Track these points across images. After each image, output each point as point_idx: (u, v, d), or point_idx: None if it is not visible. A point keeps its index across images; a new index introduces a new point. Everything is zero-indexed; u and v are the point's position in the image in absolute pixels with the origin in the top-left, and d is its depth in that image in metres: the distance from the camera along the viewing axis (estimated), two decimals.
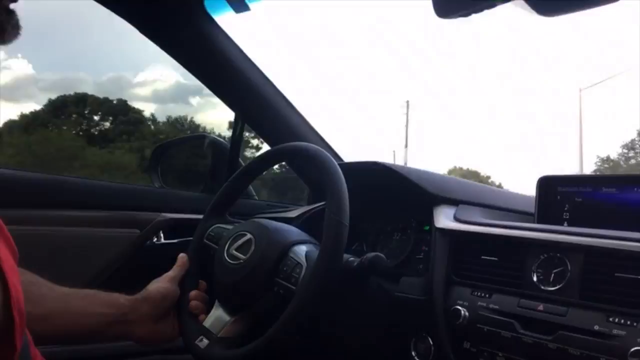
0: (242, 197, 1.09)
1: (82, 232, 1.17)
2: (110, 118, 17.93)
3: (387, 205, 1.18)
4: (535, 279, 0.79)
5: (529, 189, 1.04)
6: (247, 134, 1.48)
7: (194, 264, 0.94)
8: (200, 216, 1.01)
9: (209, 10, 1.21)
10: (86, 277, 1.14)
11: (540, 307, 0.76)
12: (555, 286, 0.76)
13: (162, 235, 1.27)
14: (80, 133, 17.34)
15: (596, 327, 0.69)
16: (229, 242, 0.88)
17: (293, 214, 1.25)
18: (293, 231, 0.91)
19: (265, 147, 1.46)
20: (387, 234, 1.18)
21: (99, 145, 16.78)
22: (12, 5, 0.55)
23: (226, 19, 1.26)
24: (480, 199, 1.04)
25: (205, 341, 0.83)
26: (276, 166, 1.48)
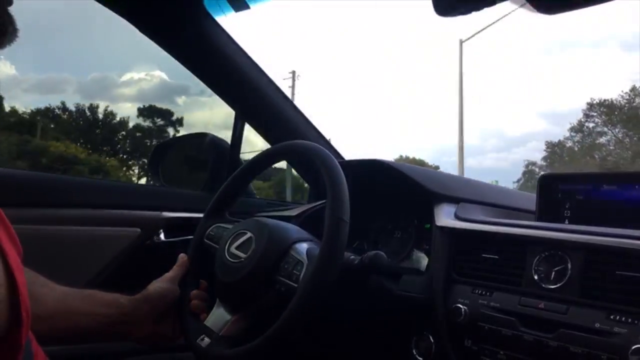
0: (242, 196, 1.09)
1: (83, 231, 1.17)
2: None
3: (387, 203, 1.18)
4: (536, 277, 0.79)
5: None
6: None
7: (194, 264, 0.94)
8: (201, 215, 1.01)
9: (209, 9, 1.21)
10: (87, 275, 1.15)
11: (541, 305, 0.76)
12: (556, 284, 0.76)
13: (162, 233, 1.27)
14: None
15: (597, 325, 0.69)
16: (229, 241, 0.88)
17: (293, 212, 1.25)
18: (293, 229, 0.91)
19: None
20: (388, 232, 1.18)
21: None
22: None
23: (226, 18, 1.26)
24: (481, 197, 1.04)
25: (207, 340, 0.83)
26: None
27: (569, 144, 22.89)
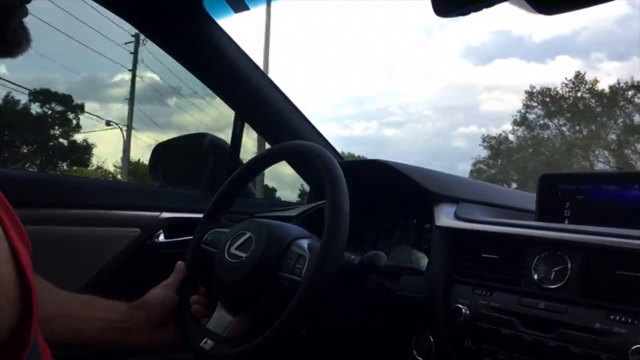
0: (242, 196, 1.09)
1: (82, 231, 1.17)
2: None
3: (387, 203, 1.18)
4: (535, 276, 0.79)
5: None
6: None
7: (192, 270, 0.94)
8: (200, 215, 1.01)
9: (208, 10, 1.21)
10: (87, 276, 1.15)
11: (541, 305, 0.76)
12: (556, 284, 0.76)
13: (162, 234, 1.27)
14: None
15: (597, 325, 0.69)
16: (228, 242, 0.88)
17: (293, 212, 1.25)
18: (293, 227, 0.91)
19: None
20: (388, 233, 1.18)
21: None
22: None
23: (226, 18, 1.26)
24: (481, 197, 1.04)
25: (210, 342, 0.83)
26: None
27: (511, 137, 20.88)
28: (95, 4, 1.14)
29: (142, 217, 1.24)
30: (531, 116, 20.45)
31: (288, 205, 1.46)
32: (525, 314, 0.78)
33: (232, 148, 1.43)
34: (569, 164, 18.19)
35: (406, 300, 0.95)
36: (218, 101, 1.37)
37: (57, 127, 16.67)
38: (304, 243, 0.84)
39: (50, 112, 16.62)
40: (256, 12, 1.23)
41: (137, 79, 16.45)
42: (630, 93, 18.58)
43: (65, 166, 16.74)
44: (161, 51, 1.26)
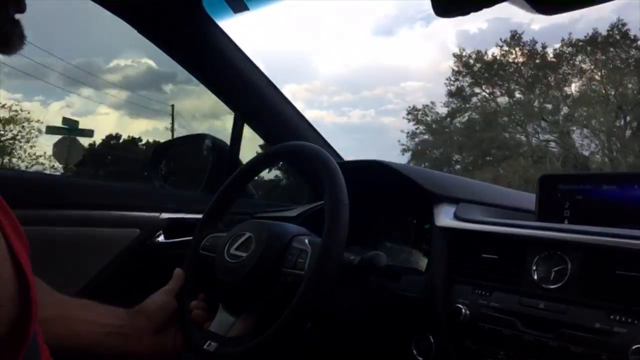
0: (241, 197, 1.09)
1: (82, 232, 1.16)
2: None
3: (387, 204, 1.18)
4: (535, 277, 0.79)
5: None
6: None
7: (191, 276, 0.94)
8: (200, 216, 1.01)
9: (208, 10, 1.21)
10: (87, 276, 1.14)
11: (541, 305, 0.76)
12: (556, 284, 0.76)
13: (162, 235, 1.27)
14: None
15: (597, 325, 0.69)
16: (228, 244, 0.88)
17: (293, 213, 1.25)
18: (292, 226, 0.91)
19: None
20: (388, 233, 1.18)
21: None
22: (17, 15, 0.56)
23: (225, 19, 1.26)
24: (481, 197, 1.04)
25: (214, 344, 0.82)
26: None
27: (443, 109, 18.25)
28: (94, 5, 1.14)
29: (142, 217, 1.24)
30: (463, 84, 17.97)
31: (287, 205, 1.46)
32: (525, 314, 0.78)
33: (231, 149, 1.43)
34: (507, 141, 16.53)
35: (406, 301, 0.95)
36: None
37: None
38: (305, 239, 0.84)
39: None
40: (255, 14, 1.23)
41: None
42: (578, 59, 16.55)
43: None
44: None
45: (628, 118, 16.01)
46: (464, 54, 17.99)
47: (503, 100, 17.71)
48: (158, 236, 1.26)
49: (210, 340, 0.83)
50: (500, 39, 17.46)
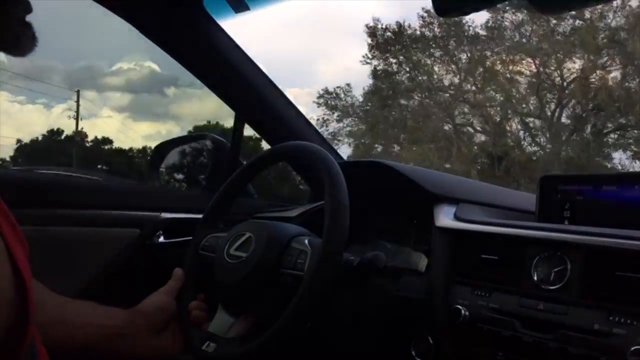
0: (241, 197, 1.09)
1: (82, 232, 1.16)
2: None
3: (387, 204, 1.18)
4: (535, 277, 0.78)
5: None
6: None
7: (190, 276, 0.93)
8: (201, 215, 1.01)
9: (208, 10, 1.21)
10: (86, 276, 1.14)
11: (541, 306, 0.76)
12: (556, 285, 0.76)
13: (162, 234, 1.27)
14: None
15: (596, 326, 0.69)
16: (227, 244, 0.88)
17: (293, 213, 1.25)
18: (292, 226, 0.91)
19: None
20: (387, 233, 1.18)
21: None
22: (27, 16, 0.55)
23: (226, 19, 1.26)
24: (481, 198, 1.04)
25: (213, 345, 0.82)
26: None
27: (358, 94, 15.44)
28: (94, 4, 1.14)
29: (142, 217, 1.24)
30: (377, 62, 15.10)
31: (287, 205, 1.46)
32: (525, 315, 0.78)
33: (232, 148, 1.43)
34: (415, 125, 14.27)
35: (406, 301, 0.95)
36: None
37: None
38: (305, 239, 0.84)
39: None
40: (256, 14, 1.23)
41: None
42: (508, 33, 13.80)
43: None
44: None
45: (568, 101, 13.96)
46: (378, 25, 14.99)
47: (423, 79, 15.07)
48: (158, 236, 1.26)
49: (209, 341, 0.83)
50: (422, 8, 14.38)
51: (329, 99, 15.87)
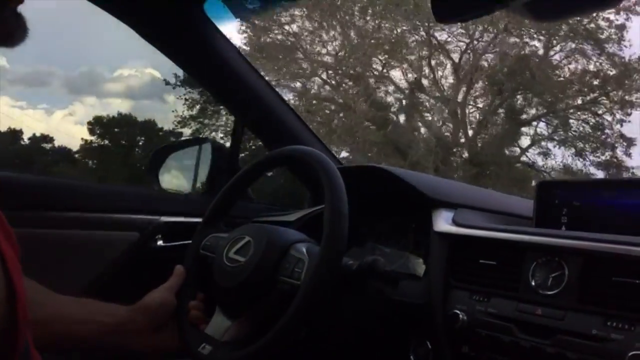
0: (241, 200, 1.09)
1: (81, 235, 1.16)
2: None
3: (385, 209, 1.18)
4: (533, 283, 0.79)
5: None
6: None
7: (191, 275, 0.94)
8: (200, 219, 1.01)
9: (209, 15, 1.22)
10: (85, 280, 1.14)
11: (539, 311, 0.76)
12: (553, 290, 0.76)
13: (161, 238, 1.27)
14: None
15: (594, 332, 0.69)
16: (227, 247, 0.88)
17: (292, 217, 1.25)
18: (292, 232, 0.91)
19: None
20: (386, 238, 1.18)
21: None
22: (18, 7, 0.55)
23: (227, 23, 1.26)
24: (479, 203, 1.04)
25: (209, 347, 0.82)
26: None
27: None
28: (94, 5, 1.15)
29: (141, 220, 1.24)
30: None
31: (287, 209, 1.47)
32: (522, 320, 0.78)
33: (231, 152, 1.44)
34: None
35: (404, 306, 0.95)
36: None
37: None
38: (303, 247, 0.84)
39: None
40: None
41: None
42: None
43: None
44: None
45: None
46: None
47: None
48: (157, 240, 1.26)
49: (205, 343, 0.83)
50: None
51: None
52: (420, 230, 1.10)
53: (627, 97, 10.52)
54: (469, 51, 11.27)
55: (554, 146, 11.28)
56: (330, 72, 11.79)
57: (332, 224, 0.78)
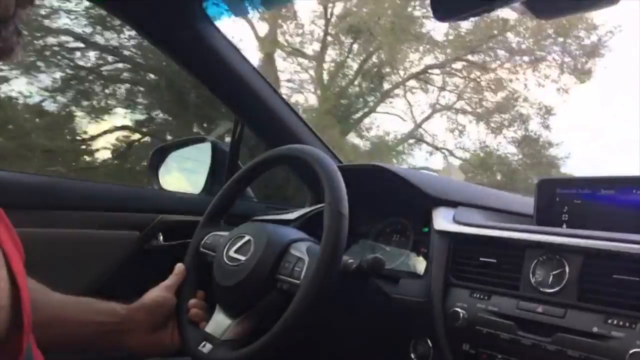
0: (240, 199, 1.09)
1: (82, 234, 1.17)
2: None
3: (385, 207, 1.18)
4: (533, 280, 0.79)
5: None
6: None
7: (191, 273, 0.94)
8: (200, 218, 1.01)
9: (208, 13, 1.22)
10: (86, 279, 1.15)
11: (539, 309, 0.76)
12: (554, 288, 0.76)
13: (161, 237, 1.27)
14: None
15: (595, 329, 0.70)
16: (227, 246, 0.88)
17: (292, 215, 1.25)
18: (292, 231, 0.91)
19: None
20: (386, 236, 1.18)
21: None
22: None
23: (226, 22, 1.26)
24: (479, 201, 1.04)
25: (209, 346, 0.83)
26: None
27: None
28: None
29: (141, 219, 1.24)
30: None
31: (287, 208, 1.47)
32: (523, 318, 0.78)
33: (231, 151, 1.44)
34: None
35: (404, 304, 0.95)
36: None
37: None
38: (303, 246, 0.84)
39: None
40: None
41: None
42: None
43: None
44: None
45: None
46: None
47: None
48: (157, 238, 1.26)
49: (205, 342, 0.83)
50: None
51: None
52: (420, 228, 1.10)
53: None
54: None
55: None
56: None
57: (332, 222, 0.78)
